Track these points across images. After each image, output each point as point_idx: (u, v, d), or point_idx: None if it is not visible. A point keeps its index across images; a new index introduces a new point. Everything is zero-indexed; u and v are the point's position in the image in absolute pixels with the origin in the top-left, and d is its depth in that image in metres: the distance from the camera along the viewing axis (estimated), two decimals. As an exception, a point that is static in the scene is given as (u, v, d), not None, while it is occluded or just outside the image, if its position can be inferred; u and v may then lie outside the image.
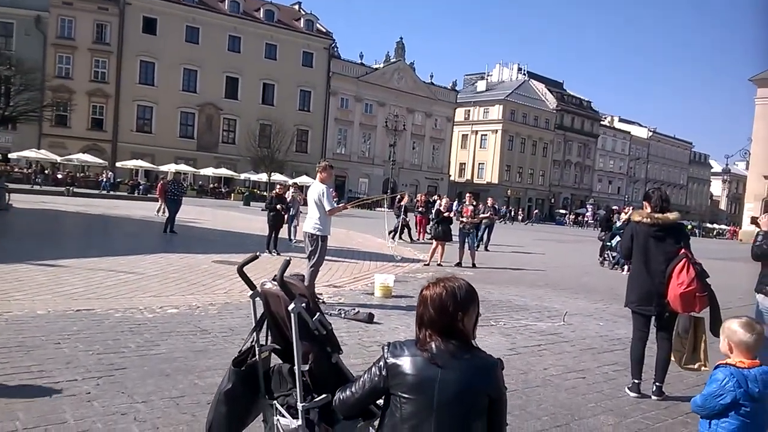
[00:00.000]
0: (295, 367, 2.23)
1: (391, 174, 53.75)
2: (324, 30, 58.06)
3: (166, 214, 15.73)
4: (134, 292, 7.13)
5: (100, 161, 44.56)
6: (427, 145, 65.76)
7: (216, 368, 4.31)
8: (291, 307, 2.17)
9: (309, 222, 7.41)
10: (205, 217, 22.43)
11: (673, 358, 4.45)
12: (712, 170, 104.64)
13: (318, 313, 2.26)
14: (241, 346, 2.56)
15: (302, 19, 56.42)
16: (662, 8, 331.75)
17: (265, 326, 2.59)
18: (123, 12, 47.25)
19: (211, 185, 50.00)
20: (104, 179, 40.91)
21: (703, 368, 4.21)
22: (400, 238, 19.40)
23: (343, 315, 6.62)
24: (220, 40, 51.18)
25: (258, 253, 2.63)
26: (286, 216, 13.60)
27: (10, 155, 42.26)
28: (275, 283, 2.36)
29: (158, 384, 3.94)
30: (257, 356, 2.52)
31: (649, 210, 4.49)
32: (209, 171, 48.49)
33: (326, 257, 12.54)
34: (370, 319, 6.47)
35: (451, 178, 69.11)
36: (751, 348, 2.53)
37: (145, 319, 5.81)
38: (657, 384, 4.53)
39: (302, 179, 50.32)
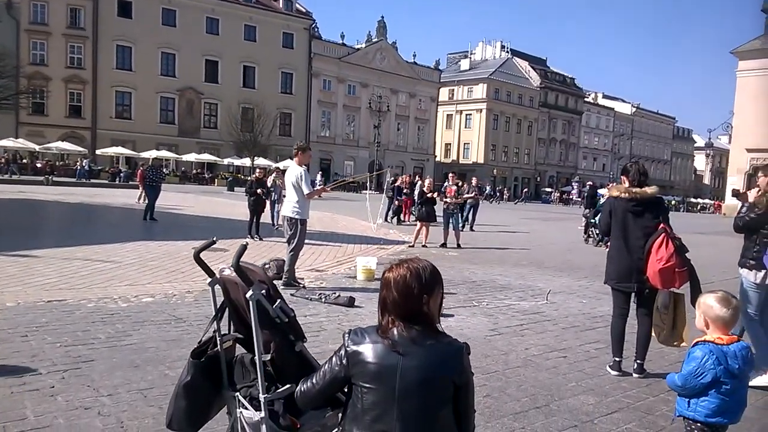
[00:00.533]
0: (256, 357, 2.11)
1: (376, 156, 53.51)
2: (304, 10, 57.23)
3: (146, 201, 15.47)
4: (110, 281, 6.97)
5: (80, 149, 43.82)
6: (412, 126, 65.46)
7: (188, 358, 4.18)
8: (249, 294, 2.05)
9: (287, 206, 7.33)
10: (187, 204, 22.14)
11: (653, 334, 4.40)
12: (696, 145, 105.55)
13: (279, 300, 2.14)
14: (202, 336, 2.44)
15: (281, 0, 55.47)
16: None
17: (227, 315, 2.48)
18: (97, -5, 46.11)
19: (194, 171, 49.44)
20: (80, 167, 40.00)
21: (682, 344, 4.16)
22: (391, 221, 19.33)
23: (323, 300, 6.51)
24: (198, 22, 50.28)
25: (215, 239, 2.49)
26: (267, 200, 13.38)
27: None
28: (231, 269, 2.24)
29: (126, 376, 3.81)
30: (219, 346, 2.40)
31: (627, 184, 4.41)
32: (192, 157, 47.88)
33: (309, 241, 12.50)
34: (350, 303, 6.37)
35: (437, 158, 68.98)
36: (728, 323, 2.46)
37: (119, 308, 5.66)
38: (638, 362, 4.49)
39: (286, 163, 49.78)
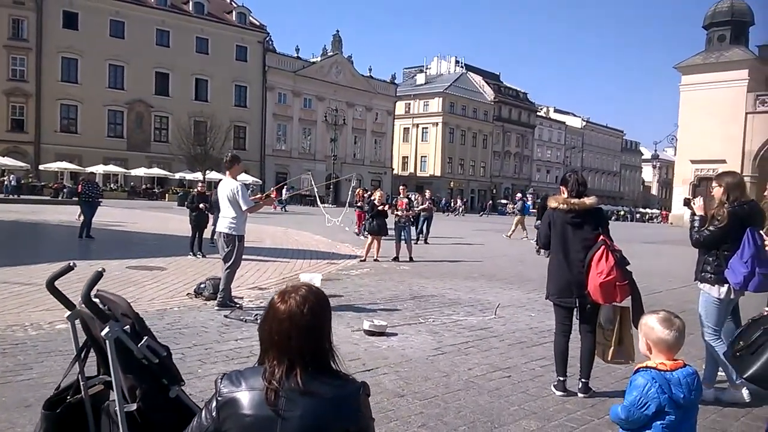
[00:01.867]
0: (117, 408, 1.75)
1: (333, 169, 53.13)
2: (257, 23, 56.66)
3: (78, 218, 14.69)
4: (24, 306, 6.39)
5: (22, 164, 41.92)
6: (369, 139, 65.43)
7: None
8: (104, 332, 1.70)
9: (222, 222, 6.89)
10: (131, 220, 21.27)
11: (597, 354, 4.20)
12: (643, 157, 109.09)
13: (146, 338, 1.79)
14: (59, 381, 2.05)
15: (234, 12, 54.88)
16: (592, 2, 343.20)
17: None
18: (41, 6, 44.53)
19: (144, 186, 47.96)
20: (7, 182, 37.30)
21: (631, 362, 3.96)
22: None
23: (258, 321, 6.10)
24: (148, 34, 49.08)
25: (72, 264, 2.10)
26: (210, 215, 12.83)
27: None
28: (97, 300, 1.88)
29: (11, 418, 3.35)
30: (83, 392, 2.02)
31: (565, 195, 4.22)
32: (141, 171, 46.50)
33: (256, 257, 12.05)
34: (287, 323, 5.99)
35: (395, 171, 69.07)
36: (672, 346, 2.23)
37: (27, 337, 5.13)
38: (582, 380, 4.27)
39: (241, 177, 48.95)
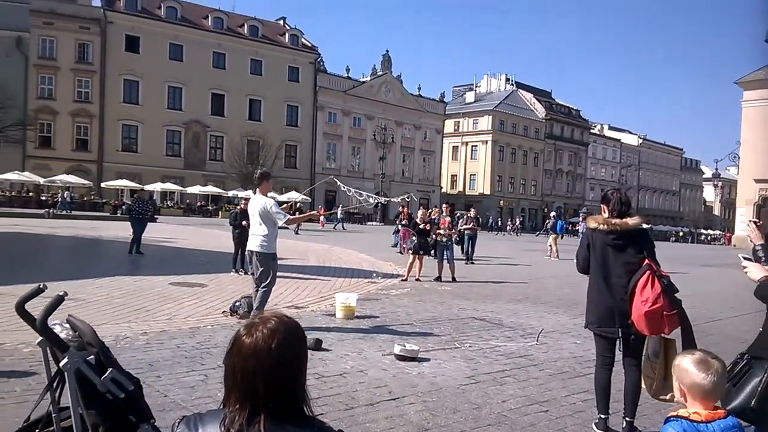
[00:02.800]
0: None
1: (381, 187, 53.21)
2: (309, 44, 57.81)
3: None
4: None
5: (85, 182, 43.88)
6: (418, 158, 65.34)
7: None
8: (63, 363, 1.55)
9: (254, 240, 6.73)
10: (183, 236, 21.76)
11: (643, 386, 3.81)
12: (704, 176, 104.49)
13: (111, 370, 1.63)
14: (30, 411, 1.92)
15: (287, 34, 56.20)
16: (649, 15, 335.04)
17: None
18: (105, 31, 46.88)
19: (199, 203, 49.33)
20: (61, 199, 38.40)
21: (675, 400, 3.57)
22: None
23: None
24: (205, 56, 50.80)
25: (42, 285, 1.96)
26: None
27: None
28: (66, 326, 1.74)
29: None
30: (55, 425, 1.88)
31: (606, 214, 3.89)
32: (196, 189, 47.85)
33: (295, 275, 11.99)
34: (316, 345, 5.81)
35: (443, 190, 68.61)
36: (709, 393, 1.90)
37: (56, 354, 5.14)
38: (627, 419, 3.89)
39: (291, 195, 49.81)
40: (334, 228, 37.12)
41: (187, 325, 6.67)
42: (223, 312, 7.59)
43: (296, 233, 28.75)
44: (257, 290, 6.79)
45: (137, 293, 8.66)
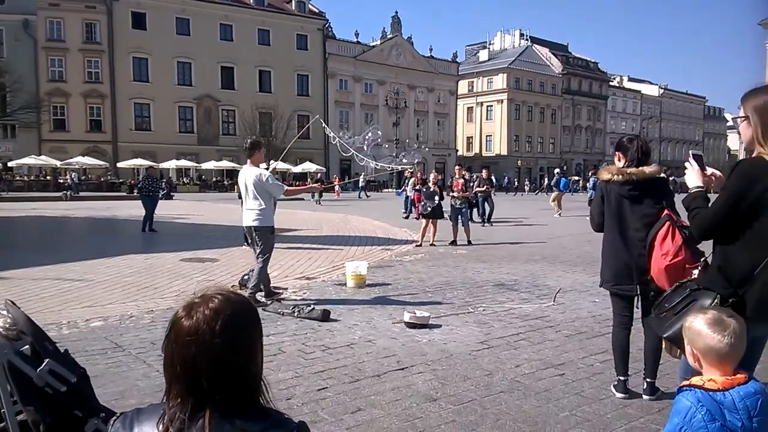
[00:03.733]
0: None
1: (396, 153, 52.70)
2: (317, 10, 56.78)
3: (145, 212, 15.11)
4: (68, 303, 6.39)
5: (101, 163, 44.18)
6: (432, 121, 64.46)
7: (102, 398, 3.53)
8: (-14, 356, 1.36)
9: (249, 215, 6.34)
10: (198, 212, 21.76)
11: (663, 347, 3.58)
12: (728, 124, 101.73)
13: (47, 361, 1.44)
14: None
15: (293, 1, 55.14)
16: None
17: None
18: (111, 9, 46.45)
19: (214, 179, 49.43)
20: (67, 181, 38.18)
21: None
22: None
23: (296, 313, 5.81)
24: (212, 29, 50.19)
25: None
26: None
27: (10, 163, 42.02)
28: (4, 313, 1.55)
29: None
30: (8, 421, 1.71)
31: (621, 164, 3.58)
32: (211, 164, 47.85)
33: (309, 245, 11.85)
34: (324, 316, 5.66)
35: (459, 152, 67.80)
36: (726, 357, 1.67)
37: (59, 336, 5.04)
38: (648, 380, 3.67)
39: (305, 165, 49.64)
40: (359, 197, 37.07)
41: (195, 301, 6.55)
42: (232, 286, 7.47)
43: (318, 203, 28.64)
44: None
45: (147, 271, 8.59)
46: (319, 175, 46.02)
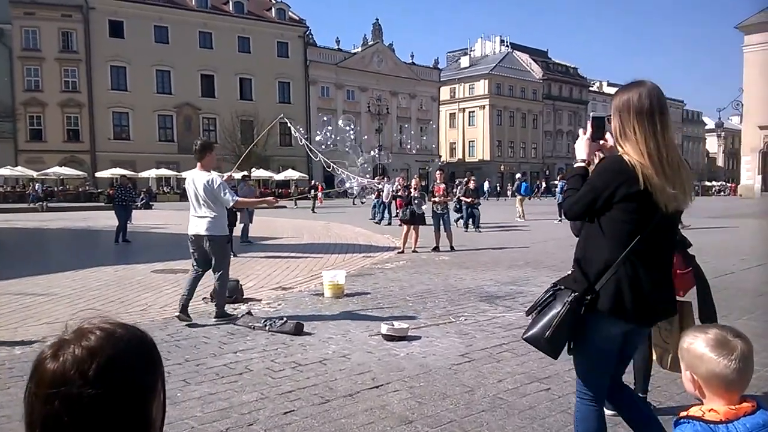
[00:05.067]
0: None
1: (379, 160, 52.51)
2: (297, 18, 56.55)
3: (131, 222, 14.72)
4: (27, 319, 6.01)
5: (79, 173, 43.41)
6: (415, 127, 64.38)
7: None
8: None
9: (199, 223, 5.72)
10: (175, 221, 21.26)
11: (654, 358, 3.34)
12: (707, 127, 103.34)
13: None
14: None
15: (273, 9, 54.92)
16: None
17: None
18: (87, 18, 45.80)
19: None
20: (31, 192, 36.92)
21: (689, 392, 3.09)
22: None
23: (268, 327, 5.50)
24: (191, 37, 49.73)
25: None
26: (239, 213, 12.42)
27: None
28: None
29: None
30: None
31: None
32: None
33: (289, 254, 11.52)
34: (297, 330, 5.34)
35: (443, 159, 67.79)
36: (734, 384, 1.41)
37: (8, 357, 4.68)
38: (639, 394, 3.42)
39: (288, 173, 49.22)
40: (353, 204, 36.68)
41: (162, 316, 6.21)
42: (204, 298, 7.11)
43: (313, 212, 28.14)
44: (193, 277, 5.92)
45: (116, 284, 8.22)
46: (314, 183, 45.53)
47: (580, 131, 2.46)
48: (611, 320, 2.15)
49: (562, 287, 2.25)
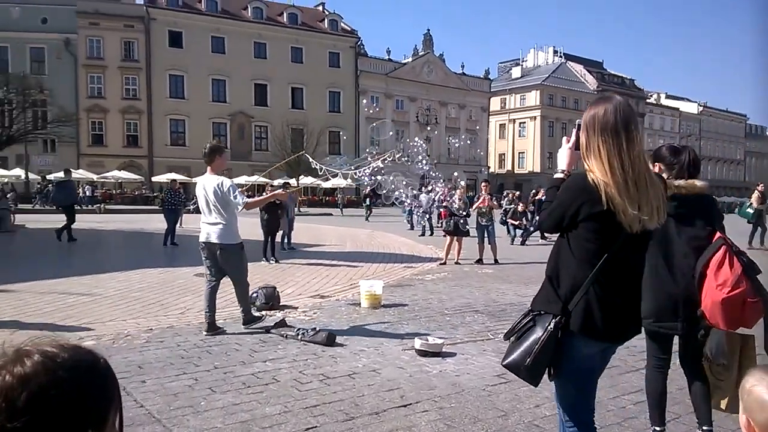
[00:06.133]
0: None
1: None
2: (349, 29, 57.11)
3: (181, 225, 15.10)
4: (68, 318, 6.12)
5: (136, 177, 45.01)
6: (463, 138, 63.87)
7: None
8: None
9: (211, 230, 5.55)
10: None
11: (712, 398, 3.02)
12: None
13: None
14: None
15: (326, 20, 55.66)
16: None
17: None
18: (148, 28, 47.57)
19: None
20: (82, 194, 37.06)
21: None
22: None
23: (300, 336, 5.40)
24: (246, 47, 50.90)
25: None
26: (281, 219, 12.48)
27: (49, 176, 43.09)
28: None
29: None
30: None
31: (665, 175, 2.94)
32: (243, 179, 48.18)
33: (331, 261, 11.47)
34: (329, 341, 5.22)
35: (491, 170, 66.99)
36: None
37: (44, 356, 4.74)
38: (704, 428, 3.06)
39: (336, 181, 49.58)
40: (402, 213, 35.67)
41: (198, 320, 6.21)
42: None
43: (366, 220, 28.00)
44: (209, 289, 5.72)
45: (157, 286, 8.33)
46: (368, 190, 45.60)
47: (564, 140, 2.34)
48: (584, 340, 2.10)
49: (541, 312, 2.16)
